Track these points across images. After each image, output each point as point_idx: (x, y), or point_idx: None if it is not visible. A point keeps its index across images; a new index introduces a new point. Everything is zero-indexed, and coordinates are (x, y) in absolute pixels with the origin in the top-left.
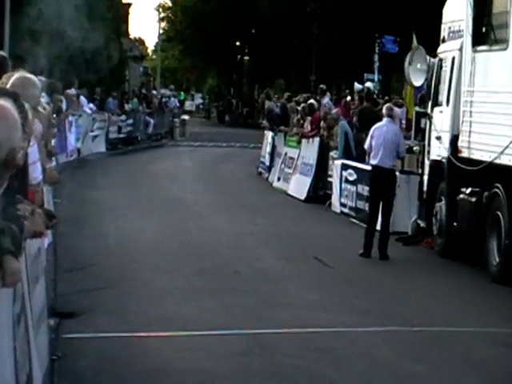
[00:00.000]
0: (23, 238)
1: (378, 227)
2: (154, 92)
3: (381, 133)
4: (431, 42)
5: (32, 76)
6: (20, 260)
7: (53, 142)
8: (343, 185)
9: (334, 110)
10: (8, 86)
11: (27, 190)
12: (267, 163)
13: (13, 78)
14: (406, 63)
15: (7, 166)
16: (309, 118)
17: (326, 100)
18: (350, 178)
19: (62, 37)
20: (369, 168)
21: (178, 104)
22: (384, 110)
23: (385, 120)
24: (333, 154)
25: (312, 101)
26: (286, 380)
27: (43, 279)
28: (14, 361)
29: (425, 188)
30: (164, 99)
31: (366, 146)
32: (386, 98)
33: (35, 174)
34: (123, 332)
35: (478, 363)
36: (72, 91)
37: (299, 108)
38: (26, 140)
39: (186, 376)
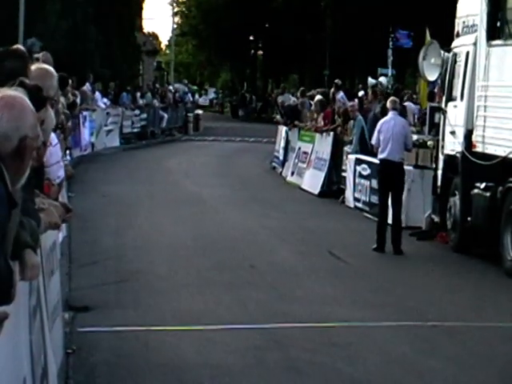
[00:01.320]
0: (40, 232)
1: (390, 221)
2: (170, 87)
3: (389, 126)
4: (445, 37)
5: (49, 66)
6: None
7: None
8: (357, 179)
9: (352, 103)
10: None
11: (43, 184)
12: (281, 158)
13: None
14: (420, 58)
15: (21, 156)
16: (321, 114)
17: (340, 95)
18: (364, 173)
19: (77, 32)
20: None
21: (191, 98)
22: (388, 104)
23: (391, 113)
24: (347, 148)
25: (319, 97)
26: (300, 375)
27: (58, 273)
28: (30, 354)
29: (439, 183)
30: (177, 94)
31: (374, 140)
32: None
33: (59, 172)
34: (138, 326)
35: (492, 358)
36: (87, 86)
37: (312, 102)
38: (47, 132)
39: (200, 370)
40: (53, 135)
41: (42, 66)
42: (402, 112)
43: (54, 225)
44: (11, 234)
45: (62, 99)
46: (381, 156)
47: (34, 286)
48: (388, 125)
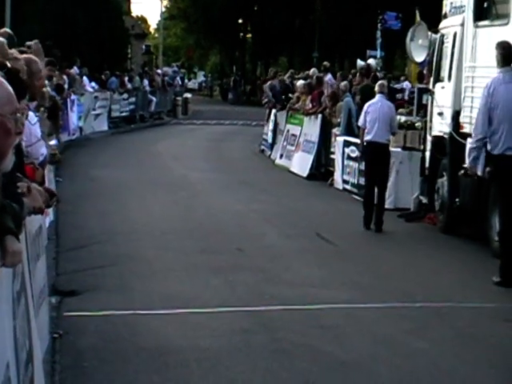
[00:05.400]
0: (23, 216)
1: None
2: (159, 71)
3: (376, 108)
4: (433, 18)
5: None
6: (20, 238)
7: None
8: (345, 161)
9: (344, 82)
10: None
11: (23, 167)
12: (270, 141)
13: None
14: (408, 39)
15: None
16: (309, 96)
17: (328, 77)
18: (352, 155)
19: (64, 16)
20: None
21: (180, 82)
22: (376, 88)
23: (378, 96)
24: (335, 130)
25: (301, 81)
26: (288, 357)
27: (44, 257)
28: (14, 339)
29: (427, 164)
30: (166, 77)
31: (361, 122)
32: (386, 73)
33: (42, 150)
34: (125, 310)
35: (480, 339)
36: (75, 70)
37: (297, 84)
38: (21, 110)
39: (187, 353)
40: (31, 114)
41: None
42: (391, 96)
43: (38, 209)
44: None
45: (47, 83)
46: (367, 138)
47: (17, 270)
48: (375, 106)
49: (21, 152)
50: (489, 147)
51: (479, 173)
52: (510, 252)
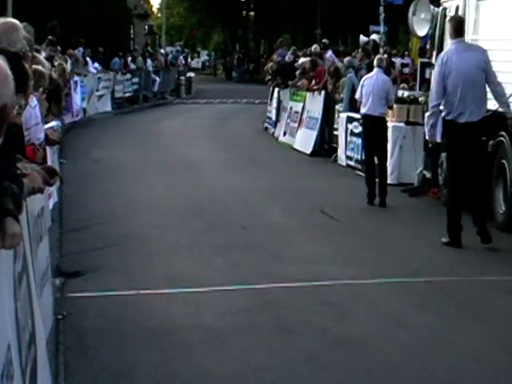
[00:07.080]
0: (23, 197)
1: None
2: (162, 51)
3: (371, 82)
4: None
5: (13, 19)
6: (20, 219)
7: None
8: (349, 138)
9: (347, 58)
10: None
11: (24, 149)
12: (273, 118)
13: None
14: (410, 13)
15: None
16: (311, 74)
17: (329, 53)
18: (356, 131)
19: None
20: None
21: (183, 61)
22: (375, 62)
23: (375, 70)
24: (338, 106)
25: (303, 59)
26: (291, 335)
27: (47, 239)
28: (16, 320)
29: None
30: (169, 57)
31: (357, 96)
32: (387, 49)
33: (39, 134)
34: (128, 290)
35: (484, 312)
36: (78, 50)
37: (300, 61)
38: (22, 97)
39: (191, 332)
40: (32, 97)
41: (6, 21)
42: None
43: (38, 190)
44: None
45: (46, 62)
46: (362, 111)
47: (19, 252)
48: (370, 80)
49: (21, 133)
50: (443, 113)
51: (438, 140)
52: (456, 214)
